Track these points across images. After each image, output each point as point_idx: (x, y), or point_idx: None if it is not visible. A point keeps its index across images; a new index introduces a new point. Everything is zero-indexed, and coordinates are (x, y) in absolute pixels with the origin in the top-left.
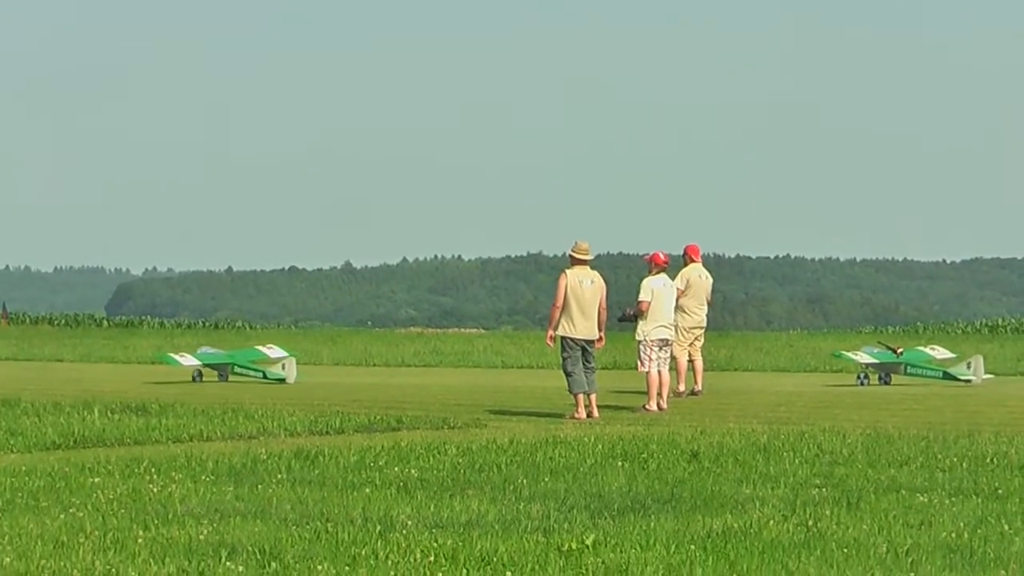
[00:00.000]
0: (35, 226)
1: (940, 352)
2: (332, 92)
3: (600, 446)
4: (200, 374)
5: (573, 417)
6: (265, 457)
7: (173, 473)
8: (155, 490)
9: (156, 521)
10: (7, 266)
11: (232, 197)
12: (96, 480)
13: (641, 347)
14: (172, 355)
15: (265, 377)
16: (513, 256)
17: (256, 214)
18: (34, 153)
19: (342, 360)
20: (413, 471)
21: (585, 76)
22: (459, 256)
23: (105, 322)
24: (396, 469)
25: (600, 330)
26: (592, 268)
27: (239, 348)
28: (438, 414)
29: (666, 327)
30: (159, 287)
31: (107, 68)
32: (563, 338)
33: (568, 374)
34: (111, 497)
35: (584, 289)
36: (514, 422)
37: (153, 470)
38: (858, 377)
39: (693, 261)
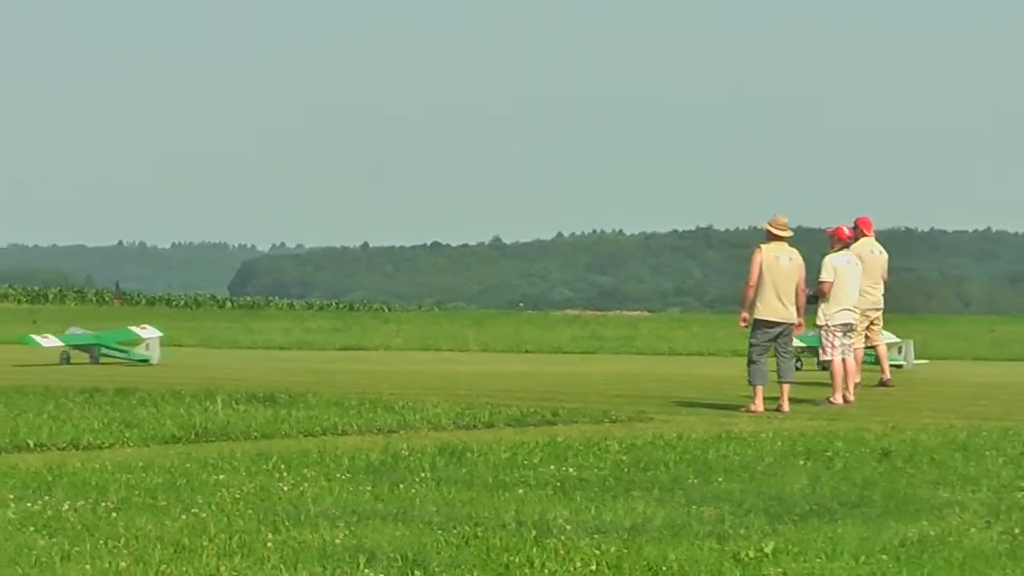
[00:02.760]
0: (151, 199)
1: (884, 337)
2: (490, 51)
3: (779, 442)
4: (67, 356)
5: (749, 410)
6: (407, 453)
7: (305, 470)
8: (285, 489)
9: (287, 523)
10: (120, 241)
11: (367, 166)
12: (220, 477)
13: (823, 333)
14: (34, 336)
15: (129, 358)
16: (680, 231)
17: (395, 184)
18: (149, 122)
19: (490, 345)
20: (571, 469)
21: (759, 40)
22: (620, 231)
23: (228, 303)
24: (552, 467)
25: (799, 314)
26: (790, 244)
27: (110, 329)
28: (598, 406)
29: (850, 310)
30: (287, 265)
31: (225, 33)
32: (756, 320)
33: (751, 362)
34: (237, 496)
35: (781, 266)
36: (683, 415)
37: (283, 466)
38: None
39: (864, 235)
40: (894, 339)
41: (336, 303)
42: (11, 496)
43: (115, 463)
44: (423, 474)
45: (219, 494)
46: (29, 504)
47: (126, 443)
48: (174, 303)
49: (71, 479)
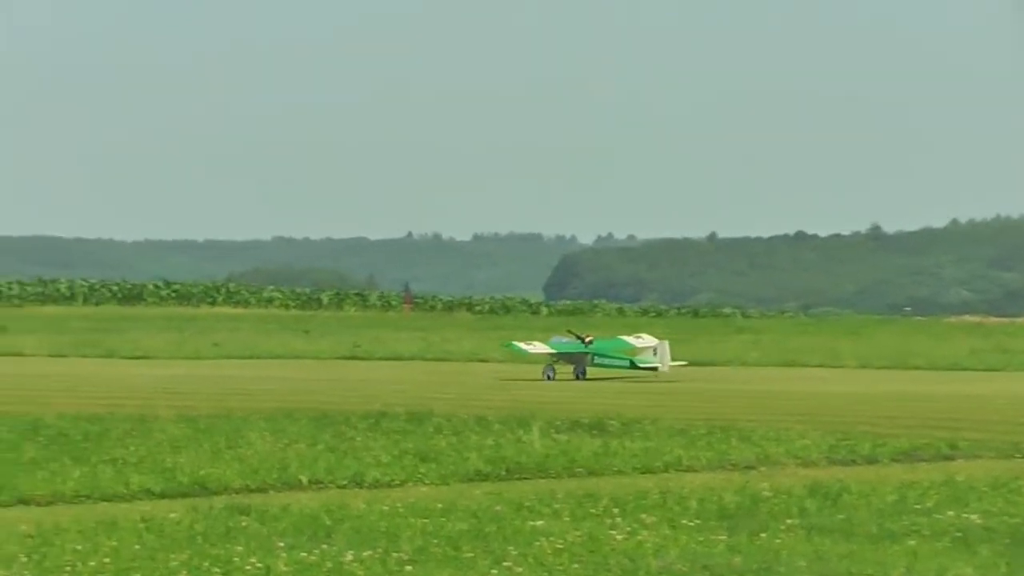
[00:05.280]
0: (447, 182)
1: (645, 340)
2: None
3: None
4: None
5: None
6: (769, 494)
7: (643, 515)
8: (619, 538)
9: None
10: (410, 233)
11: (713, 141)
12: (538, 523)
13: None
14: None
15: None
16: None
17: (747, 162)
18: (437, 96)
19: (869, 360)
20: (974, 517)
21: None
22: None
23: (543, 308)
24: (950, 513)
25: None
26: None
27: None
28: (1006, 437)
29: None
30: (616, 260)
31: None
32: None
33: None
34: (559, 546)
35: None
36: None
37: (615, 510)
38: (545, 370)
39: None
40: (651, 341)
41: (677, 307)
42: (281, 544)
43: (408, 505)
44: (790, 520)
45: (537, 544)
46: (304, 554)
47: (422, 480)
48: (477, 308)
49: (354, 524)
